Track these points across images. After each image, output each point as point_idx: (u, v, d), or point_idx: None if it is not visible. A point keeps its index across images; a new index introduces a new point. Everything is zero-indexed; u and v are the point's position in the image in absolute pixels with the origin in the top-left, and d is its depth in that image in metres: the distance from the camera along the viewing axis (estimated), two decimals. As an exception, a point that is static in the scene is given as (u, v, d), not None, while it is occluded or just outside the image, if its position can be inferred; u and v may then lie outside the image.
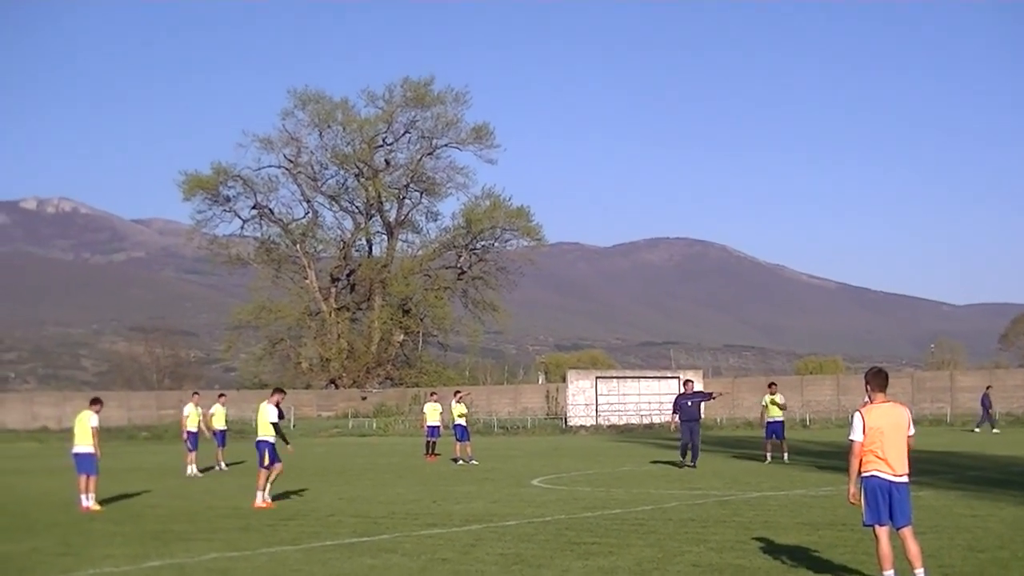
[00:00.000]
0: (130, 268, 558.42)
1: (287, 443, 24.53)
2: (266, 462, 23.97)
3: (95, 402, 24.73)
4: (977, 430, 53.77)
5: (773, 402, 34.73)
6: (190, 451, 35.34)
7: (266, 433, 24.31)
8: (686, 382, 35.71)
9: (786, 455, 33.54)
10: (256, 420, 25.09)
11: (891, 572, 11.76)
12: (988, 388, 57.91)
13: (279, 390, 25.64)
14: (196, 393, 38.80)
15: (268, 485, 23.87)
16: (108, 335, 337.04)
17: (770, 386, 36.53)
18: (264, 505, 23.25)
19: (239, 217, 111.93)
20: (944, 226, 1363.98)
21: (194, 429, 36.05)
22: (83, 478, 23.58)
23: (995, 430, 53.80)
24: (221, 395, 42.86)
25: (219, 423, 38.33)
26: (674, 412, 32.95)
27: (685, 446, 32.18)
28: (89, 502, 23.35)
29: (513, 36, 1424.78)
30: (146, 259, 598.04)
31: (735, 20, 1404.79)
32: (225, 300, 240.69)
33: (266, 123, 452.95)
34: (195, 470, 34.64)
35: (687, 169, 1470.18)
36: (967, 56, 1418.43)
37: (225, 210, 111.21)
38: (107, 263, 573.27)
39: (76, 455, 23.93)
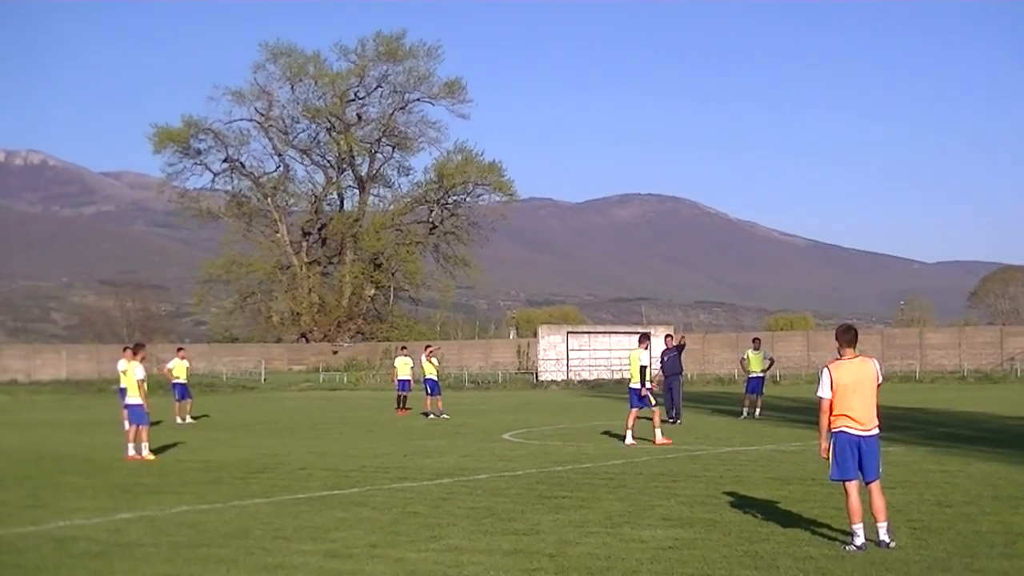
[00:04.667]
0: (100, 221, 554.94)
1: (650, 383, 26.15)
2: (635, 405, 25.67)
3: (137, 349, 25.44)
4: None
5: (755, 358, 34.78)
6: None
7: (634, 382, 25.79)
8: (666, 336, 35.64)
9: (759, 411, 33.66)
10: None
11: (860, 526, 11.81)
12: None
13: (646, 336, 26.96)
14: (130, 348, 35.21)
15: (658, 430, 25.52)
16: (78, 288, 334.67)
17: (753, 341, 36.72)
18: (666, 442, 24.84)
19: (210, 170, 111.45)
20: (915, 184, 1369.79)
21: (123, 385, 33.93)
22: (133, 428, 24.04)
23: None
24: (180, 349, 42.70)
25: (180, 376, 38.12)
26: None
27: (668, 403, 32.03)
28: (144, 452, 23.57)
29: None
30: (116, 212, 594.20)
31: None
32: (195, 254, 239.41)
33: (237, 76, 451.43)
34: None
35: (659, 125, 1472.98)
36: (943, 7, 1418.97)
37: (196, 163, 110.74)
38: (76, 216, 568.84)
39: (128, 406, 24.81)
